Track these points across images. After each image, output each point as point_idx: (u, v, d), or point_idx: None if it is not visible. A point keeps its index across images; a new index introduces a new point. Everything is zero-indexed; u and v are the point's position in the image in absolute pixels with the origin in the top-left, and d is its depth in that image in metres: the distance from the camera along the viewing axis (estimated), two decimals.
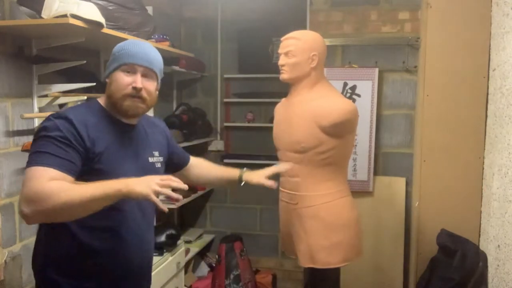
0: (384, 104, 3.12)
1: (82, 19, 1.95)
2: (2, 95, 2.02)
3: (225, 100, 3.92)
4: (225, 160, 3.91)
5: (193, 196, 3.55)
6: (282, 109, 2.33)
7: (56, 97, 2.20)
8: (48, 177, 1.28)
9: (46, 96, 2.19)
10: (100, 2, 2.17)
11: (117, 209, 1.43)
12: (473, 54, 2.57)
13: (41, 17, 1.96)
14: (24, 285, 2.09)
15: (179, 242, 2.99)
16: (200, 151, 3.99)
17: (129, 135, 1.55)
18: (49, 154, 1.32)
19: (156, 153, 1.65)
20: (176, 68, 3.33)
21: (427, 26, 2.69)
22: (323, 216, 2.17)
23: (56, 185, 1.26)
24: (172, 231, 2.87)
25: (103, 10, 2.14)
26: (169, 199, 1.51)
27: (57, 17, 1.93)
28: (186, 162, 1.91)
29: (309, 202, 2.19)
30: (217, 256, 3.57)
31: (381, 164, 3.15)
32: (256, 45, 3.76)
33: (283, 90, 2.40)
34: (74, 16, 1.92)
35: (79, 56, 2.36)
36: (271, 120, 2.97)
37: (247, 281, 3.43)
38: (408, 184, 3.08)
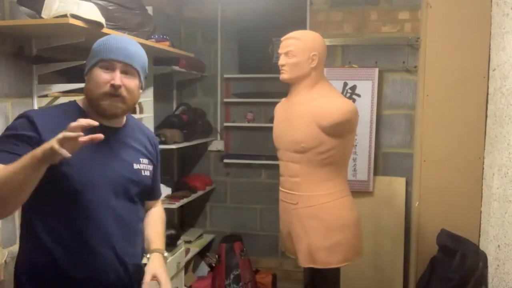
0: (384, 104, 3.12)
1: (82, 19, 1.95)
2: (2, 95, 2.02)
3: (225, 100, 3.92)
4: (225, 160, 3.91)
5: (193, 196, 3.55)
6: (282, 109, 2.33)
7: (56, 97, 2.20)
8: None
9: (46, 96, 2.19)
10: (100, 2, 2.17)
11: (85, 217, 1.36)
12: (473, 54, 2.57)
13: (41, 17, 1.96)
14: None
15: (179, 242, 2.99)
16: (200, 151, 3.99)
17: (110, 138, 1.41)
18: (1, 151, 1.29)
19: (145, 161, 1.53)
20: (176, 68, 3.33)
21: (427, 26, 2.69)
22: (323, 216, 2.17)
23: None
24: (172, 231, 2.87)
25: (103, 10, 2.13)
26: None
27: (57, 17, 1.93)
28: (155, 197, 1.71)
29: (309, 202, 2.19)
30: (217, 256, 3.57)
31: (381, 164, 3.15)
32: (256, 45, 3.76)
33: (283, 90, 2.40)
34: (74, 16, 1.92)
35: (79, 56, 2.35)
36: (271, 120, 2.97)
37: (247, 281, 3.44)
38: (408, 184, 3.08)
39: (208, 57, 3.93)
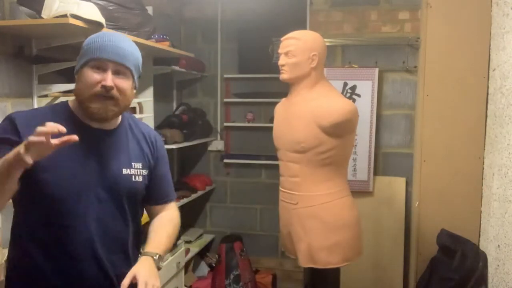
0: (384, 104, 3.12)
1: (82, 19, 1.95)
2: (2, 95, 2.02)
3: (225, 100, 3.92)
4: (225, 160, 3.91)
5: (193, 196, 3.55)
6: (282, 109, 2.33)
7: (56, 97, 2.19)
8: None
9: (46, 96, 2.19)
10: (100, 2, 2.17)
11: (66, 224, 1.32)
12: (473, 54, 2.57)
13: (41, 17, 1.96)
14: None
15: (179, 242, 2.99)
16: (200, 151, 3.99)
17: (98, 142, 1.37)
18: None
19: (138, 165, 1.44)
20: (176, 68, 3.33)
21: (427, 26, 2.69)
22: (323, 216, 2.17)
23: None
24: None
25: (103, 10, 2.13)
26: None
27: (57, 17, 1.93)
28: (163, 201, 1.57)
29: (309, 202, 2.19)
30: (217, 256, 3.57)
31: (381, 164, 3.15)
32: (256, 45, 3.76)
33: (283, 90, 2.40)
34: (74, 16, 1.92)
35: None
36: (271, 120, 2.97)
37: (247, 281, 3.44)
38: (408, 184, 3.08)
39: (208, 57, 3.93)
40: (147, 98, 3.00)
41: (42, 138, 1.08)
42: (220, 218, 4.03)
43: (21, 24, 1.98)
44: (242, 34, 3.84)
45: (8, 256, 1.44)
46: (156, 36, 2.84)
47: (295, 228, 2.25)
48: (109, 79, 1.29)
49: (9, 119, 1.32)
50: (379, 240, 3.07)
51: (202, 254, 3.83)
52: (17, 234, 1.39)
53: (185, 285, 3.24)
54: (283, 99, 2.35)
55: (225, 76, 3.91)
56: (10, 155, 1.14)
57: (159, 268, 1.39)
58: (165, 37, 2.93)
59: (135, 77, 1.38)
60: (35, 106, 2.17)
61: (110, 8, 2.26)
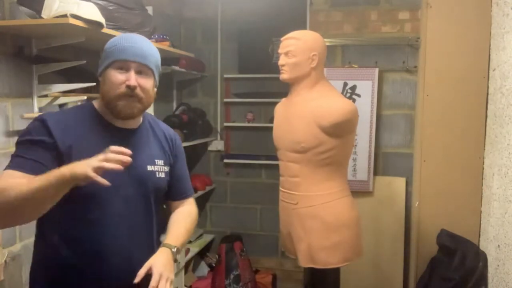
0: (384, 104, 3.12)
1: (82, 19, 1.95)
2: (2, 95, 2.02)
3: (225, 100, 3.92)
4: (225, 160, 3.91)
5: (193, 196, 3.54)
6: (282, 109, 2.33)
7: (56, 97, 2.19)
8: (9, 178, 1.24)
9: (46, 96, 2.19)
10: (100, 2, 2.17)
11: (93, 222, 1.37)
12: (473, 54, 2.57)
13: (41, 17, 1.96)
14: (24, 285, 2.08)
15: None
16: (200, 151, 3.99)
17: (123, 140, 1.39)
18: (18, 157, 1.30)
19: (160, 162, 1.51)
20: (176, 68, 3.33)
21: (427, 26, 2.69)
22: (323, 216, 2.17)
23: (8, 182, 1.21)
24: None
25: (103, 10, 2.13)
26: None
27: (57, 17, 1.92)
28: (181, 196, 1.66)
29: (309, 202, 2.19)
30: (217, 256, 3.58)
31: (381, 164, 3.15)
32: (256, 45, 3.76)
33: (283, 90, 2.40)
34: (74, 16, 1.92)
35: (79, 56, 2.36)
36: (271, 120, 2.97)
37: (247, 281, 3.44)
38: (408, 184, 3.08)
39: (208, 57, 3.93)
40: None
41: (116, 166, 1.17)
42: (220, 218, 4.03)
43: (21, 24, 1.98)
44: (242, 34, 3.84)
45: (34, 254, 1.45)
46: (156, 36, 2.84)
47: (295, 228, 2.25)
48: (133, 78, 1.36)
49: (41, 120, 1.35)
50: (379, 240, 3.07)
51: (202, 254, 3.83)
52: (46, 232, 1.40)
53: (185, 285, 3.24)
54: (283, 99, 2.36)
55: (225, 76, 3.91)
56: (66, 172, 1.16)
57: (175, 260, 1.44)
58: (165, 37, 2.94)
59: (156, 76, 1.44)
60: (35, 106, 2.18)
61: (110, 8, 2.26)
